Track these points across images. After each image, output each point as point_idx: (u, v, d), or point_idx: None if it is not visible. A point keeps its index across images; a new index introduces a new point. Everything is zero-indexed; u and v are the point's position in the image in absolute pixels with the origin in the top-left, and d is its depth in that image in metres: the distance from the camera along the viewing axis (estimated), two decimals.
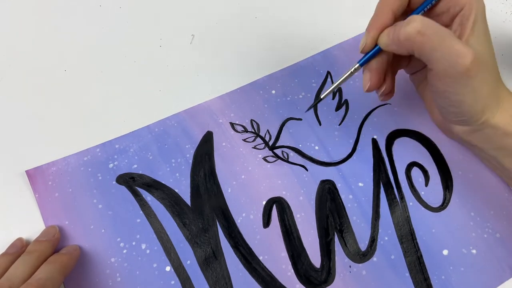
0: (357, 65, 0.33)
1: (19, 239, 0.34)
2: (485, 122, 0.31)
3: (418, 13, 0.31)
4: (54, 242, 0.33)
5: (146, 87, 0.41)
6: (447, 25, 0.31)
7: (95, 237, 0.34)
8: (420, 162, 0.38)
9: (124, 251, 0.34)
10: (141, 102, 0.40)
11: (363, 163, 0.38)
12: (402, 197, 0.36)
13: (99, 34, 0.44)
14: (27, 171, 0.36)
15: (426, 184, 0.37)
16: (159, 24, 0.45)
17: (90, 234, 0.34)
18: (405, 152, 0.38)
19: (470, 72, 0.28)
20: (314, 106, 0.40)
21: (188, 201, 0.36)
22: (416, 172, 0.37)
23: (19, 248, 0.33)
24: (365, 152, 0.38)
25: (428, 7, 0.31)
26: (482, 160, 0.37)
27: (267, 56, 0.43)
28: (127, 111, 0.40)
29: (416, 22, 0.28)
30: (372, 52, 0.32)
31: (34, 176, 0.36)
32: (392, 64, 0.34)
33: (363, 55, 0.33)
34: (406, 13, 0.32)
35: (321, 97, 0.35)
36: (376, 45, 0.32)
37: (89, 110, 0.40)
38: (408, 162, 0.38)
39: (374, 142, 0.38)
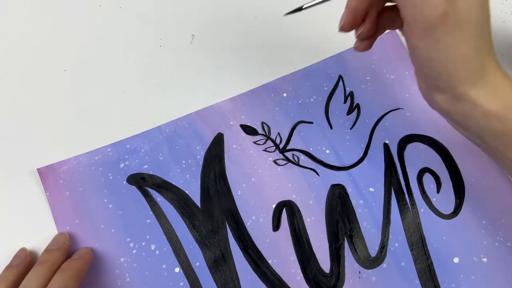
0: None
1: (22, 250, 0.33)
2: (463, 93, 0.27)
3: None
4: (65, 249, 0.33)
5: (146, 88, 0.41)
6: None
7: (105, 236, 0.34)
8: (432, 168, 0.37)
9: (134, 251, 0.34)
10: (145, 102, 0.41)
11: (375, 168, 0.37)
12: (413, 203, 0.36)
13: (99, 34, 0.44)
14: (38, 169, 0.36)
15: (438, 191, 0.36)
16: (159, 24, 0.45)
17: (100, 234, 0.34)
18: (417, 157, 0.38)
19: (441, 25, 0.25)
20: (325, 108, 0.40)
21: (198, 203, 0.36)
22: (428, 178, 0.37)
23: (24, 258, 0.33)
24: (377, 157, 0.38)
25: None
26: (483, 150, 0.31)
27: (279, 59, 0.43)
28: (132, 111, 0.40)
29: None
30: None
31: (45, 174, 0.36)
32: (379, 12, 0.30)
33: None
34: None
35: (304, 7, 0.32)
36: None
37: (93, 111, 0.40)
38: (420, 168, 0.37)
39: (386, 147, 0.38)
